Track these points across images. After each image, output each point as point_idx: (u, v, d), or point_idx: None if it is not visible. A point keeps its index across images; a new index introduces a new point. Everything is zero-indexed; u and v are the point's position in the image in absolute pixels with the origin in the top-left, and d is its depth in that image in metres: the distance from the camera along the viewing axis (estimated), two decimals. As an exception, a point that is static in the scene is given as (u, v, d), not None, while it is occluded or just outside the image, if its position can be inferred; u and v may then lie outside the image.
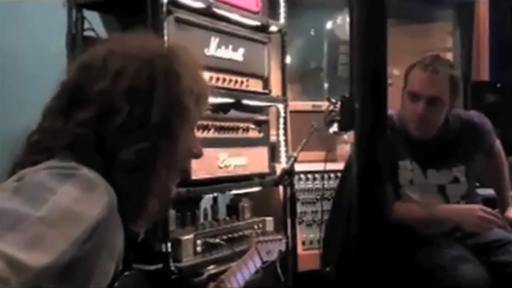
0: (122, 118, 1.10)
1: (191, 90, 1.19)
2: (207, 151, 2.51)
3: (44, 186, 0.97)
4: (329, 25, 5.27)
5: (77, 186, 0.99)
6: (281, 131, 3.11)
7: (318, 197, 3.38)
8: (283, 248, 2.18)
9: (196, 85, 1.21)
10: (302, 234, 3.34)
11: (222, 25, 2.64)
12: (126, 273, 1.13)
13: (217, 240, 2.48)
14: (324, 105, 2.74)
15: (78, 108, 1.11)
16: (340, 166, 2.97)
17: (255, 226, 2.75)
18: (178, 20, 2.38)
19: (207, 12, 2.55)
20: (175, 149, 1.16)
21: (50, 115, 1.15)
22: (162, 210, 1.22)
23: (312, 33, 5.42)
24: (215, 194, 2.74)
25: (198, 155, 1.28)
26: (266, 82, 2.93)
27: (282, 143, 3.11)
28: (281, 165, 2.99)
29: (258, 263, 1.98)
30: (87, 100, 1.11)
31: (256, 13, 2.88)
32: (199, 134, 2.37)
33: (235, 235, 2.60)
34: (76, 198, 0.97)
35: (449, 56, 4.91)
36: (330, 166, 3.04)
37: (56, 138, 1.10)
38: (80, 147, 1.08)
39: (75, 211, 0.96)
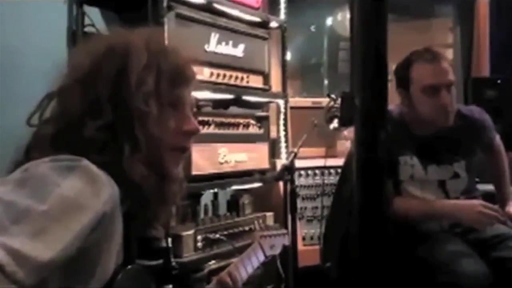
0: (77, 102, 1.13)
1: (151, 68, 1.19)
2: (208, 147, 2.52)
3: (48, 179, 0.97)
4: (329, 21, 5.27)
5: (81, 178, 1.00)
6: (282, 127, 3.12)
7: (318, 193, 3.39)
8: (287, 242, 2.16)
9: (158, 62, 1.21)
10: (303, 229, 3.35)
11: (222, 21, 2.65)
12: (129, 267, 1.13)
13: (218, 236, 2.49)
14: (324, 101, 2.76)
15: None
16: (340, 162, 2.97)
17: (256, 222, 2.76)
18: (179, 16, 2.39)
19: (207, 8, 2.56)
20: (144, 125, 1.15)
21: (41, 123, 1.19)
22: (167, 195, 1.22)
23: (313, 29, 5.41)
24: (216, 190, 2.74)
25: (193, 131, 1.26)
26: (266, 78, 2.93)
27: (283, 139, 3.11)
28: (281, 161, 3.00)
29: (261, 258, 1.96)
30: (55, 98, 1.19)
31: (256, 9, 2.89)
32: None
33: (236, 230, 2.61)
34: (80, 191, 0.98)
35: (450, 52, 4.91)
36: (330, 162, 3.05)
37: (45, 139, 1.13)
38: (65, 143, 1.11)
39: (79, 204, 0.97)
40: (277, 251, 2.07)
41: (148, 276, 1.19)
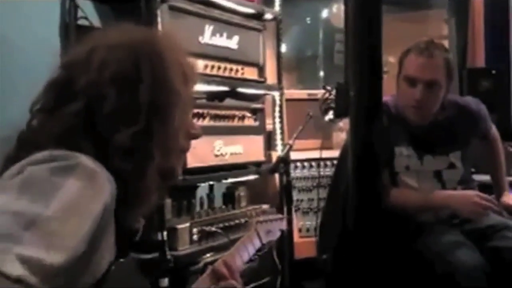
0: (111, 104, 1.11)
1: (178, 71, 1.20)
2: (203, 140, 2.51)
3: (48, 182, 0.97)
4: (324, 13, 5.27)
5: (81, 178, 0.99)
6: (277, 119, 3.11)
7: (314, 184, 3.39)
8: (284, 227, 2.11)
9: (182, 65, 1.22)
10: (299, 221, 3.35)
11: (216, 13, 2.63)
12: (122, 260, 1.13)
13: (213, 229, 2.48)
14: (319, 93, 2.75)
15: (66, 103, 1.12)
16: (336, 153, 2.97)
17: (251, 214, 2.75)
18: (172, 8, 2.37)
19: (201, 0, 2.54)
20: (169, 129, 1.17)
21: (38, 112, 1.16)
22: (163, 192, 1.23)
23: (308, 21, 5.41)
24: (211, 183, 2.74)
25: (197, 136, 1.30)
26: (261, 70, 2.92)
27: (278, 131, 3.11)
28: (277, 153, 2.99)
29: (258, 245, 1.90)
30: (75, 94, 1.13)
31: (251, 0, 2.87)
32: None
33: (231, 223, 2.60)
34: (82, 191, 0.98)
35: (445, 43, 4.90)
36: (326, 153, 3.04)
37: (46, 133, 1.11)
38: (71, 138, 1.08)
39: (83, 205, 0.97)
40: (274, 236, 2.00)
41: (142, 269, 1.19)
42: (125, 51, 1.16)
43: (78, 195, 0.97)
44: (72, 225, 0.94)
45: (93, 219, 0.98)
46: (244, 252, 1.80)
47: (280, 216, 2.08)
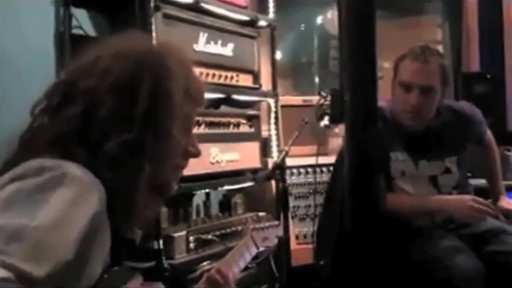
0: (107, 111, 1.10)
1: (182, 86, 1.20)
2: (199, 147, 2.51)
3: (34, 196, 0.96)
4: (319, 20, 5.27)
5: (68, 188, 0.99)
6: (272, 126, 3.11)
7: (310, 191, 3.38)
8: (280, 233, 2.11)
9: (187, 83, 1.22)
10: (295, 228, 3.34)
11: (210, 20, 2.64)
12: (115, 268, 1.12)
13: (210, 237, 2.47)
14: (315, 99, 2.75)
15: (66, 106, 1.13)
16: (332, 159, 2.96)
17: (248, 222, 2.74)
18: (166, 16, 2.38)
19: (195, 8, 2.55)
20: (164, 144, 1.15)
21: (40, 114, 1.16)
22: (157, 207, 1.23)
23: (303, 28, 5.41)
24: (207, 190, 2.73)
25: (195, 154, 1.29)
26: (256, 77, 2.93)
27: (274, 138, 3.11)
28: (273, 160, 2.99)
29: (254, 251, 1.90)
30: (74, 98, 1.13)
31: (244, 7, 2.88)
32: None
33: (228, 231, 2.60)
34: (68, 201, 0.97)
35: (439, 48, 4.91)
36: (322, 159, 3.04)
37: (44, 135, 1.10)
38: (66, 143, 1.08)
39: (69, 214, 0.97)
40: (271, 243, 2.00)
41: (134, 277, 1.18)
42: (130, 60, 1.16)
43: (65, 205, 0.97)
44: (58, 235, 0.94)
45: (80, 228, 0.97)
46: (240, 259, 1.79)
47: (275, 222, 2.08)
